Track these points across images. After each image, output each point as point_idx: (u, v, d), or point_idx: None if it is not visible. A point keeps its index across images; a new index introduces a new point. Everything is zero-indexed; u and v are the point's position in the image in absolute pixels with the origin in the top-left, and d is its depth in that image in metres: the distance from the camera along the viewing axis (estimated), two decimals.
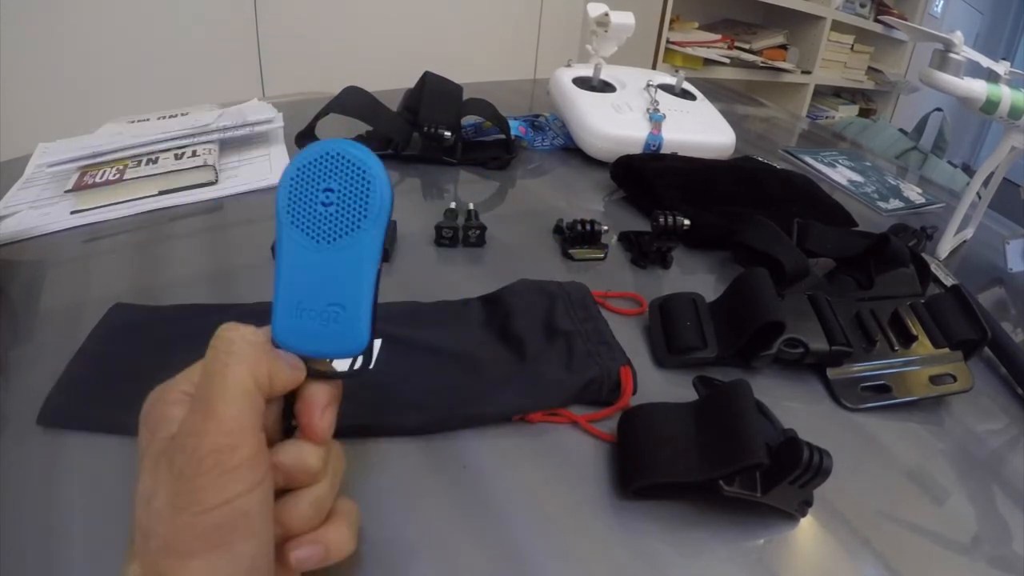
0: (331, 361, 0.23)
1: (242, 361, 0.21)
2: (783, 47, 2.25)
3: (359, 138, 0.69)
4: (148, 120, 0.67)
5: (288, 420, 0.24)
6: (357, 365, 0.23)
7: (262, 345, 0.22)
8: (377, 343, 0.38)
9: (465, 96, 0.71)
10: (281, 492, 0.22)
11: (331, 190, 0.22)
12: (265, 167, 0.63)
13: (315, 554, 0.23)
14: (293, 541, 0.22)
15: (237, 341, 0.21)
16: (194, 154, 0.59)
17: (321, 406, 0.23)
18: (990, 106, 0.54)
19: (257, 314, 0.40)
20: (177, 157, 0.58)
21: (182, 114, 0.68)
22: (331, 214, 0.22)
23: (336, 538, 0.23)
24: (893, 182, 0.84)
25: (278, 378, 0.22)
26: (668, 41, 1.90)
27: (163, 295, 0.43)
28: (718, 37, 2.04)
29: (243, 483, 0.19)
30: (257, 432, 0.21)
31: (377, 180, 0.22)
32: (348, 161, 0.22)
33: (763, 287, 0.41)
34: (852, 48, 2.50)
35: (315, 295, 0.22)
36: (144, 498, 0.20)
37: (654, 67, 1.89)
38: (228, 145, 0.65)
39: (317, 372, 0.23)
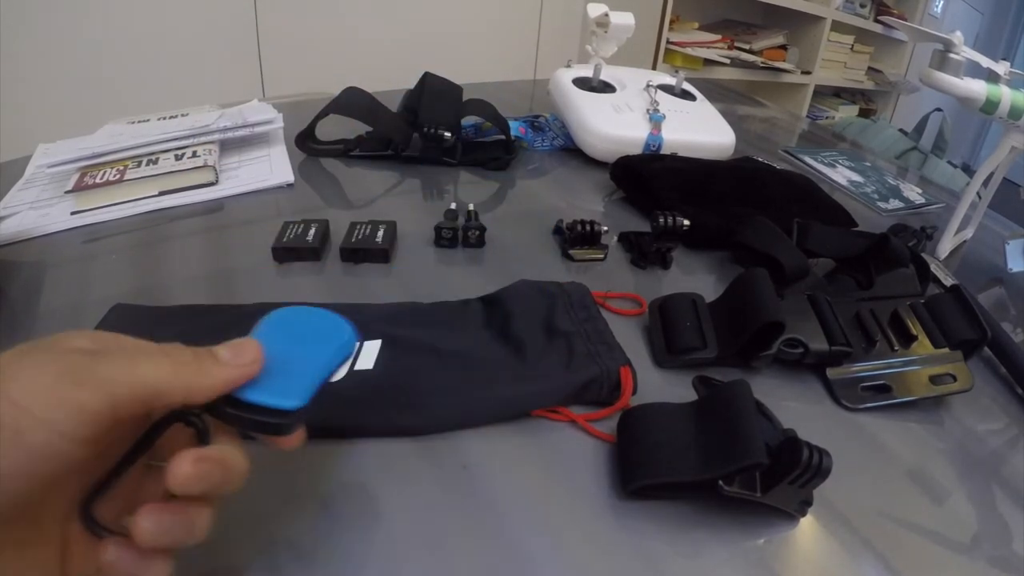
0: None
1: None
2: (783, 47, 2.25)
3: (359, 138, 0.69)
4: (148, 121, 0.67)
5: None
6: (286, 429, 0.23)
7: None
8: (376, 344, 0.38)
9: (465, 97, 0.71)
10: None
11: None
12: (265, 168, 0.63)
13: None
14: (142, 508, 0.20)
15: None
16: (194, 155, 0.59)
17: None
18: (990, 106, 0.54)
19: (256, 315, 0.41)
20: (177, 158, 0.58)
21: (182, 115, 0.68)
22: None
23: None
24: (893, 182, 0.84)
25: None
26: (668, 41, 1.90)
27: (163, 295, 0.43)
28: (718, 37, 2.04)
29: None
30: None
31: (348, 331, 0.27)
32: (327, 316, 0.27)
33: (763, 287, 0.41)
34: (852, 48, 2.50)
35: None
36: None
37: (654, 67, 1.89)
38: (228, 146, 0.65)
39: (245, 422, 0.23)
